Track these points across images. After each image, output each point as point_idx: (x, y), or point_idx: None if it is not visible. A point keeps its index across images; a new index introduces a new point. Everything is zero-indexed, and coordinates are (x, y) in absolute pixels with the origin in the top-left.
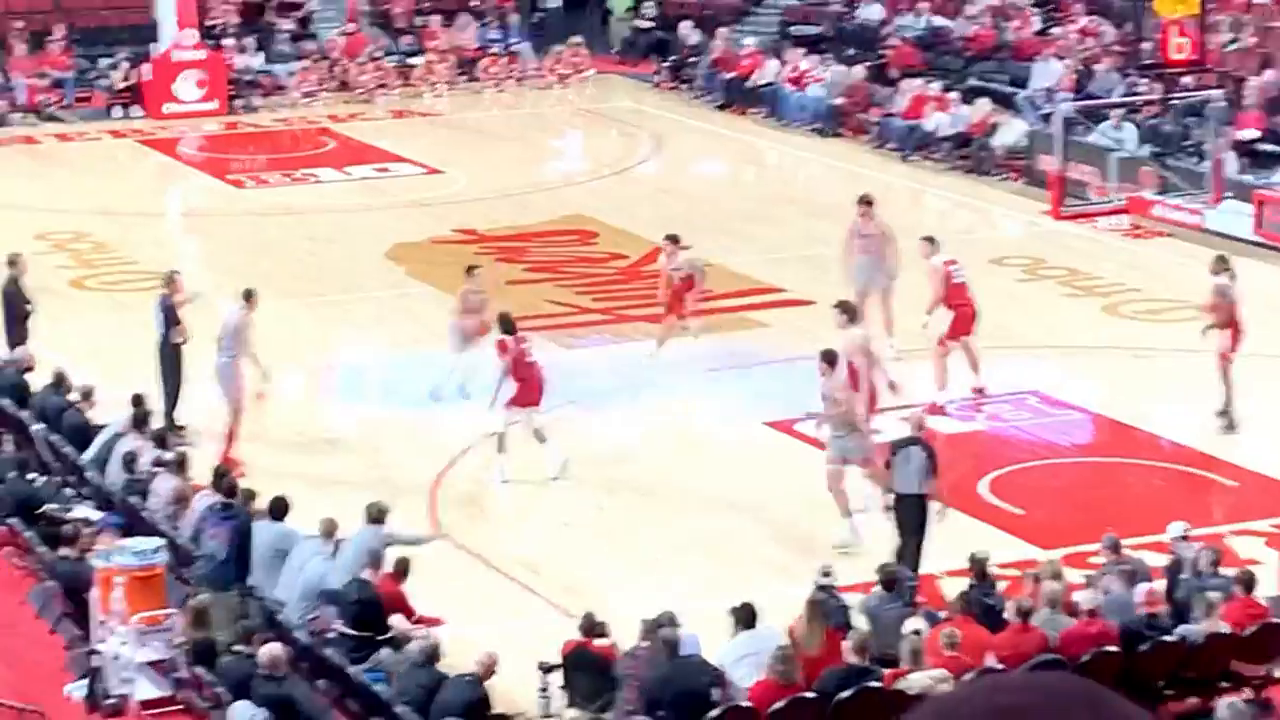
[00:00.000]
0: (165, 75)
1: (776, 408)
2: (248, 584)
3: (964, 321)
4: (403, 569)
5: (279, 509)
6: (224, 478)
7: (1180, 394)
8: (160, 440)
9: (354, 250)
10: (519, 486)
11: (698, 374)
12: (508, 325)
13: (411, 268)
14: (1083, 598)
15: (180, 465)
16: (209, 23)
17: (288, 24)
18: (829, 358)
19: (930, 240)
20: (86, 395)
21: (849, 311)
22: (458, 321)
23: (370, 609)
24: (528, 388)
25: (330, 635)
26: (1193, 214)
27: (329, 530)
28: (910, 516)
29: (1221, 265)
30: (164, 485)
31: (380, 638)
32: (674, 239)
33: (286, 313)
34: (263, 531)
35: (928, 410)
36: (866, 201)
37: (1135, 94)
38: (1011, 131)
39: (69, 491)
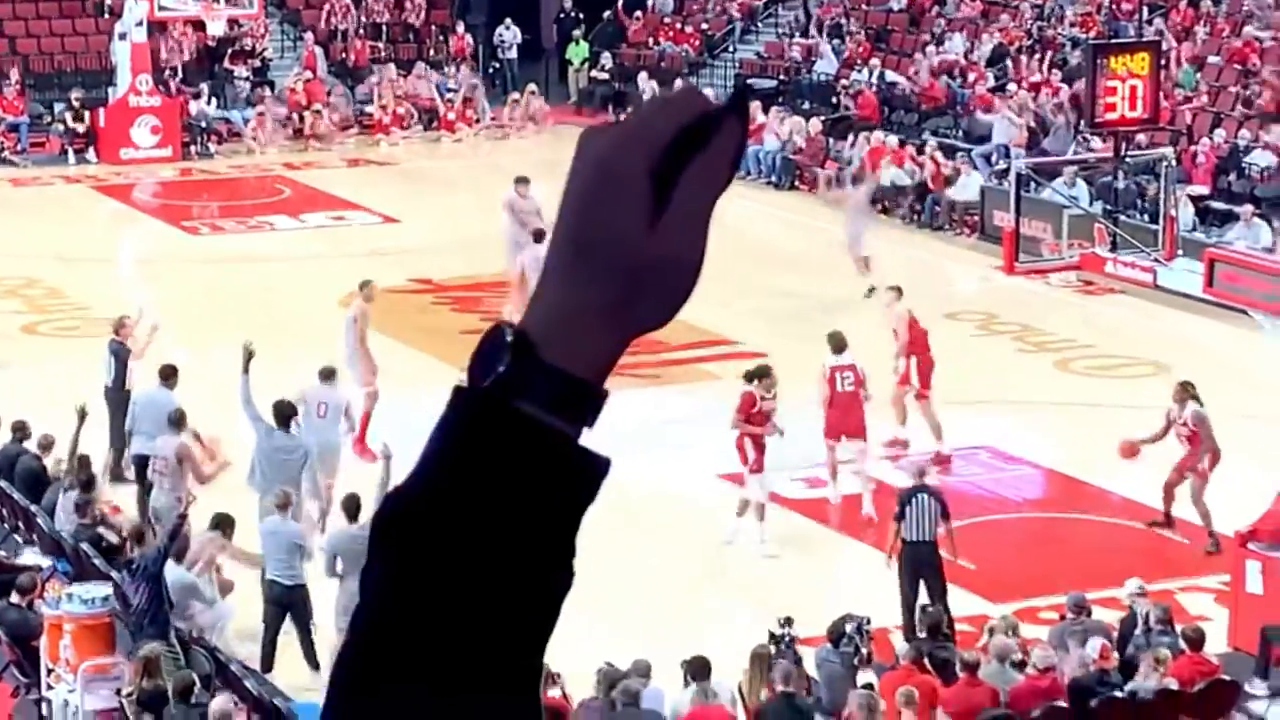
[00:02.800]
0: (121, 121)
1: (730, 460)
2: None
3: (928, 367)
4: None
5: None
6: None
7: None
8: (86, 485)
9: (308, 298)
10: None
11: (652, 425)
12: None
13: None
14: (1037, 656)
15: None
16: (165, 68)
17: (244, 71)
18: None
19: (898, 290)
20: (46, 446)
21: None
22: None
23: None
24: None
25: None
26: (1145, 271)
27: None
28: (925, 562)
29: (1188, 392)
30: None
31: None
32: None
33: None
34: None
35: (934, 460)
36: (524, 180)
37: (1088, 151)
38: (967, 187)
39: (18, 538)
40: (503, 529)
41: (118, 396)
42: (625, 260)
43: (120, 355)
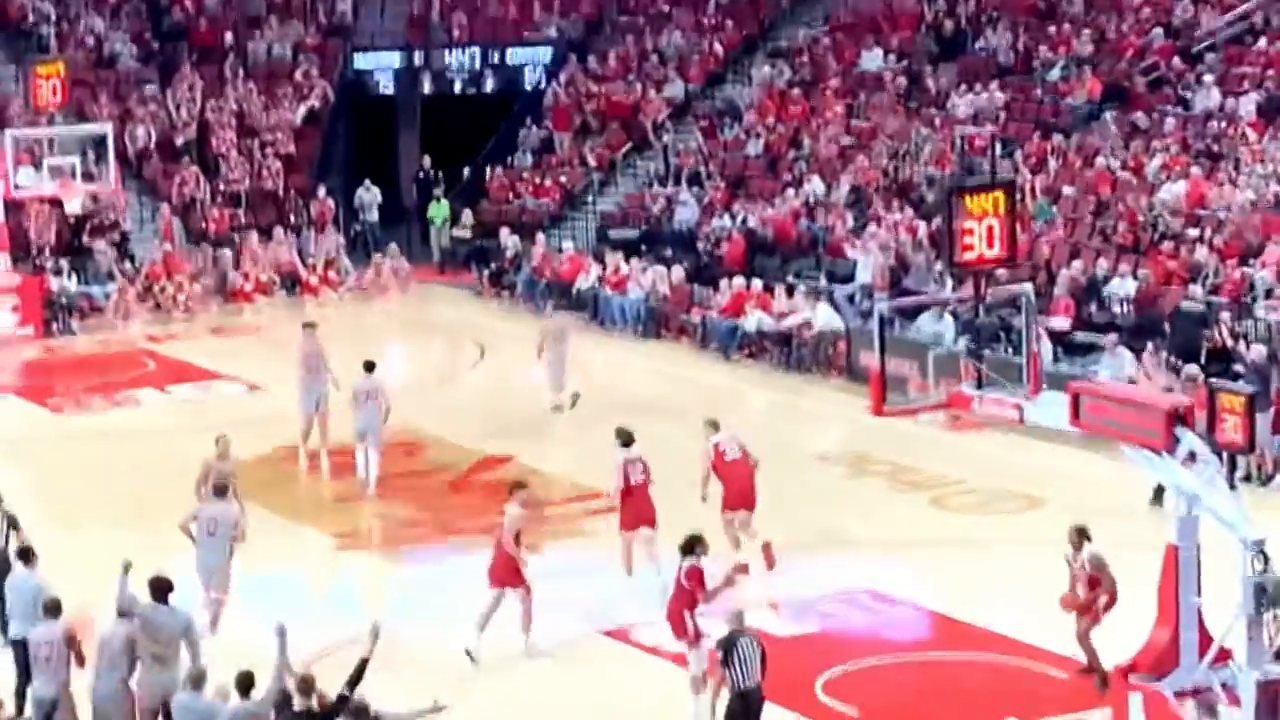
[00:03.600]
0: None
1: (611, 616)
2: None
3: (736, 495)
4: None
5: None
6: None
7: (1008, 586)
8: None
9: (176, 471)
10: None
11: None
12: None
13: (236, 486)
14: None
15: None
16: (34, 246)
17: (104, 245)
18: None
19: (713, 424)
20: None
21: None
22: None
23: None
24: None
25: None
26: (1012, 408)
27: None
28: (755, 709)
29: (1083, 537)
30: None
31: None
32: None
33: (112, 538)
34: None
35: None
36: (310, 325)
37: (950, 287)
38: (823, 318)
39: None
40: None
41: None
42: None
43: None
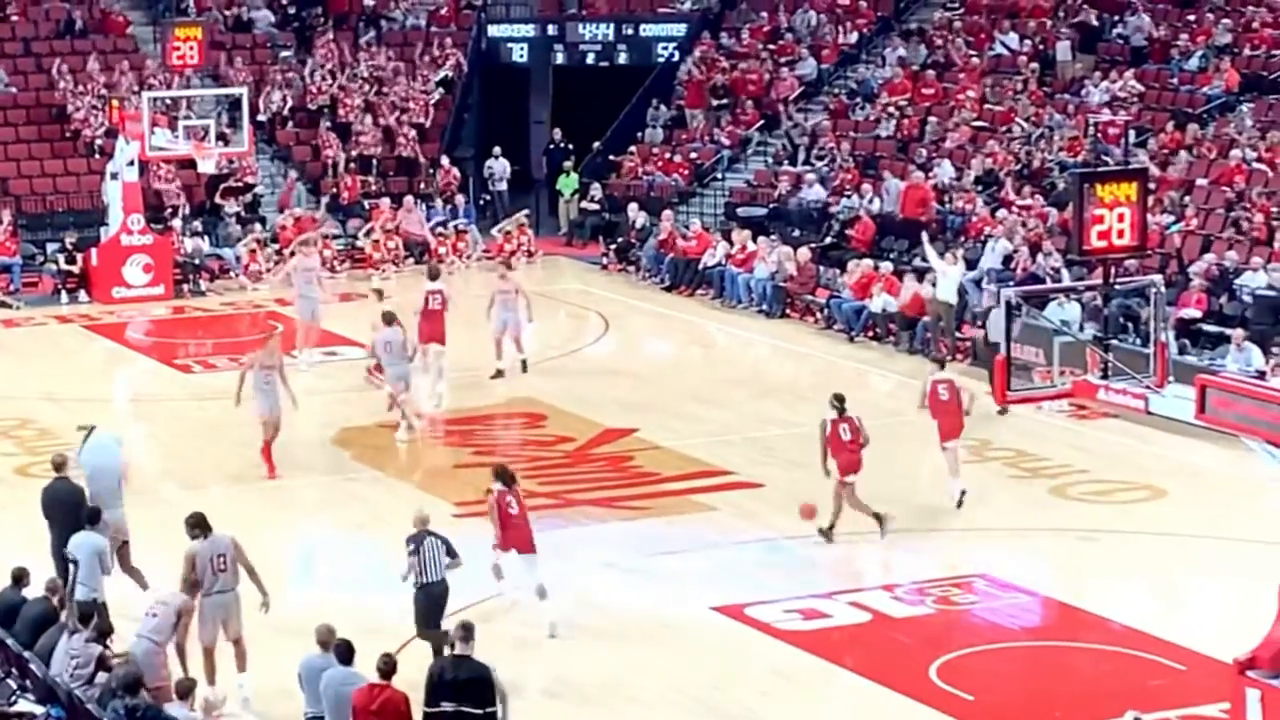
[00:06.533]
0: (113, 260)
1: (724, 592)
2: None
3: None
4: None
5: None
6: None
7: (1127, 576)
8: (102, 636)
9: (300, 434)
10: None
11: (645, 557)
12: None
13: (358, 452)
14: None
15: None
16: (167, 208)
17: (235, 207)
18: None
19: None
20: (53, 590)
21: None
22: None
23: None
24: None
25: None
26: (1137, 398)
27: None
28: (437, 602)
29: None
30: None
31: None
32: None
33: (234, 497)
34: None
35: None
36: (505, 265)
37: (1078, 277)
38: (941, 291)
39: (11, 684)
40: None
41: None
42: None
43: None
